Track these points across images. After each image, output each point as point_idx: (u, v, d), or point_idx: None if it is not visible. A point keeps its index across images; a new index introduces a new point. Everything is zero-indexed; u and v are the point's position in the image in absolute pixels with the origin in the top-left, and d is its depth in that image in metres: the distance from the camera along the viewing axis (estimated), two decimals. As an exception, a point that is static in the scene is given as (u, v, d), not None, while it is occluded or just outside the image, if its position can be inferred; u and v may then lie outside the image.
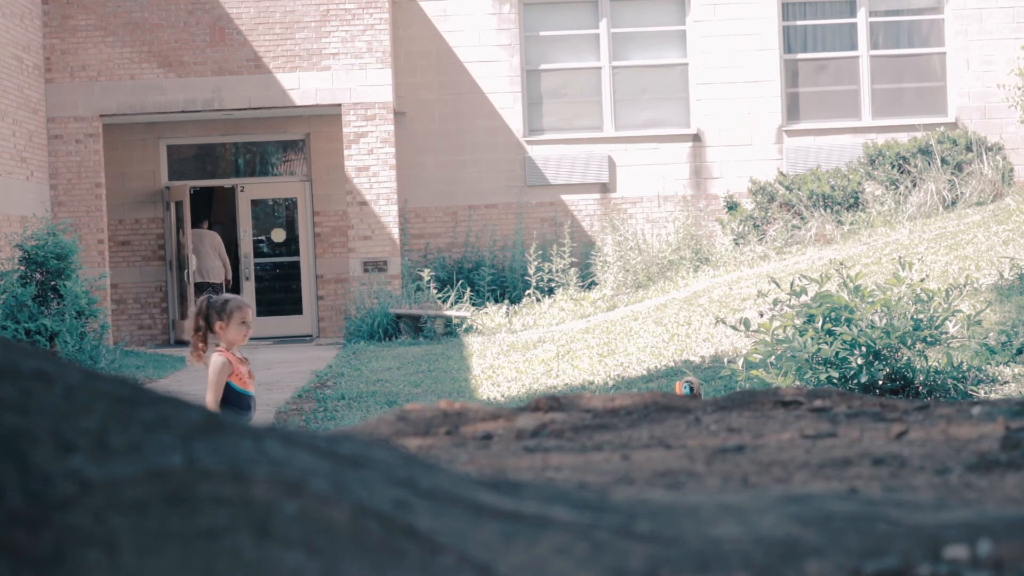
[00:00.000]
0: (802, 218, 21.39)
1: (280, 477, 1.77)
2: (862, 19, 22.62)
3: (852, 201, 21.43)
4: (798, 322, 10.13)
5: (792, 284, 10.39)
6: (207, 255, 22.20)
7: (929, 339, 10.30)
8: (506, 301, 21.18)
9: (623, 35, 22.68)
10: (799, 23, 22.73)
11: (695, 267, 20.98)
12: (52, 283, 16.53)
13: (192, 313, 7.21)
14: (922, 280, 10.67)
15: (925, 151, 21.53)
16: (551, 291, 21.34)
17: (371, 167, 21.07)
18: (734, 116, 22.44)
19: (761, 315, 11.25)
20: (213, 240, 22.39)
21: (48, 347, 15.64)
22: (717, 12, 22.48)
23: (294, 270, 23.27)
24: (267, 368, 17.76)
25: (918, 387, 10.27)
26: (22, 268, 16.62)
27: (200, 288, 22.28)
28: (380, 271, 21.10)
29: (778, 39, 22.52)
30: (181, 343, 21.70)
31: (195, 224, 22.40)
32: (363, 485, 1.86)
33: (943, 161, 21.42)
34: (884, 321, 10.10)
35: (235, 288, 23.93)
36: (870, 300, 10.22)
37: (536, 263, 21.40)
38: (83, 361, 15.75)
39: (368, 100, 20.96)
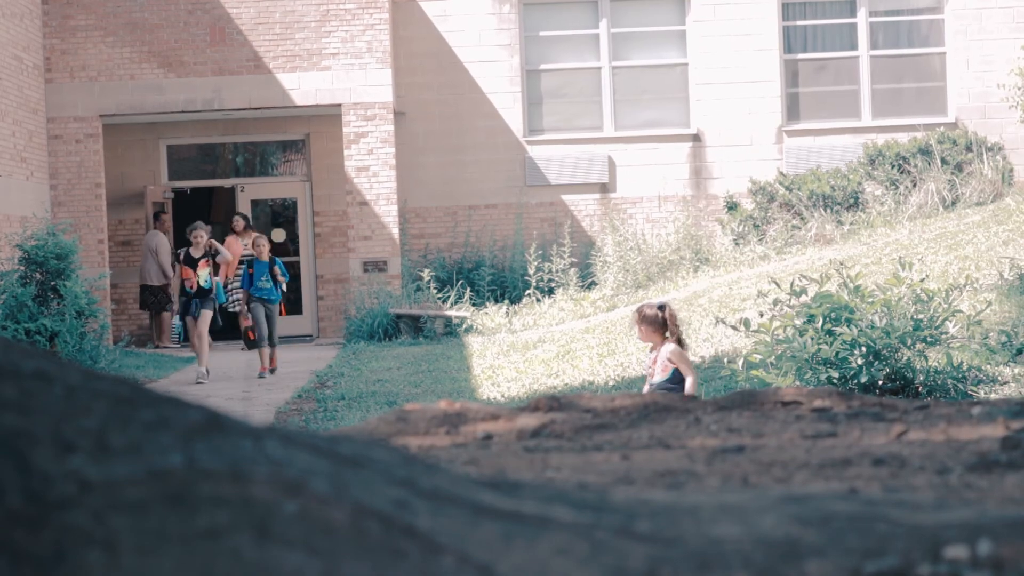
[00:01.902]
0: (802, 218, 21.39)
1: (280, 477, 1.77)
2: (862, 19, 22.63)
3: (852, 201, 21.43)
4: (798, 322, 10.13)
5: (792, 284, 10.39)
6: (144, 257, 22.06)
7: (929, 339, 10.30)
8: (506, 301, 21.18)
9: (623, 35, 22.68)
10: (799, 23, 22.74)
11: (695, 267, 20.99)
12: (52, 283, 16.54)
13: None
14: (922, 280, 10.68)
15: (925, 151, 21.54)
16: (551, 291, 21.34)
17: (371, 167, 21.08)
18: (734, 116, 22.45)
19: (761, 315, 11.25)
20: (150, 242, 21.94)
21: (48, 347, 15.64)
22: (717, 12, 22.48)
23: (294, 270, 23.27)
24: (267, 368, 17.76)
25: (918, 387, 10.27)
26: (22, 268, 16.62)
27: (141, 290, 22.20)
28: (380, 271, 21.11)
29: (778, 39, 22.52)
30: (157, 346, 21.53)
31: (154, 225, 22.25)
32: (363, 485, 1.86)
33: (943, 161, 21.42)
34: (884, 321, 10.10)
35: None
36: (870, 300, 10.22)
37: (536, 263, 21.40)
38: (83, 361, 15.75)
39: (368, 100, 20.97)
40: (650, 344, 8.97)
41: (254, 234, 20.29)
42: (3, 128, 18.78)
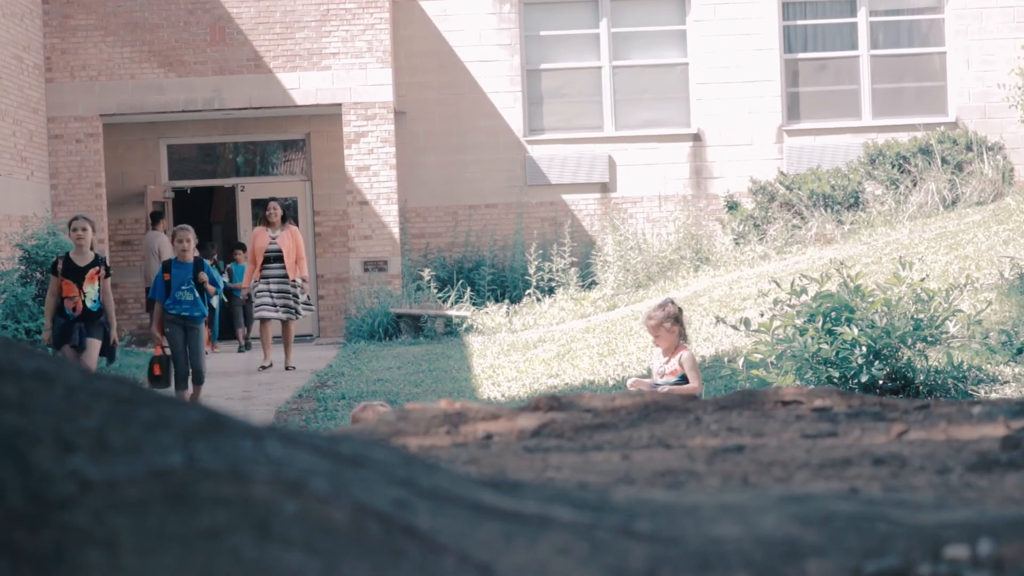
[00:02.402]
0: (802, 218, 21.39)
1: (280, 477, 1.76)
2: (862, 19, 22.62)
3: (852, 201, 21.43)
4: (798, 322, 10.13)
5: (792, 284, 10.39)
6: (147, 258, 21.94)
7: (929, 339, 10.30)
8: (506, 301, 21.18)
9: (623, 35, 22.68)
10: (799, 23, 22.74)
11: (695, 267, 20.99)
12: (52, 283, 16.53)
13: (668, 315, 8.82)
14: (922, 280, 10.68)
15: (925, 151, 21.54)
16: (551, 291, 21.35)
17: (371, 167, 21.08)
18: (734, 116, 22.45)
19: (761, 315, 11.25)
20: (151, 243, 21.79)
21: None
22: (717, 12, 22.48)
23: (294, 270, 23.23)
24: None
25: (918, 387, 10.27)
26: (22, 268, 16.63)
27: (147, 292, 22.00)
28: (380, 271, 21.11)
29: (778, 39, 22.52)
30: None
31: (153, 225, 22.17)
32: (363, 485, 1.86)
33: (943, 161, 21.42)
34: (884, 321, 10.10)
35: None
36: (870, 300, 10.22)
37: (536, 263, 21.40)
38: (83, 361, 15.74)
39: (368, 100, 20.97)
40: (663, 346, 8.87)
41: (292, 227, 17.47)
42: (3, 128, 18.79)
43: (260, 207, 23.52)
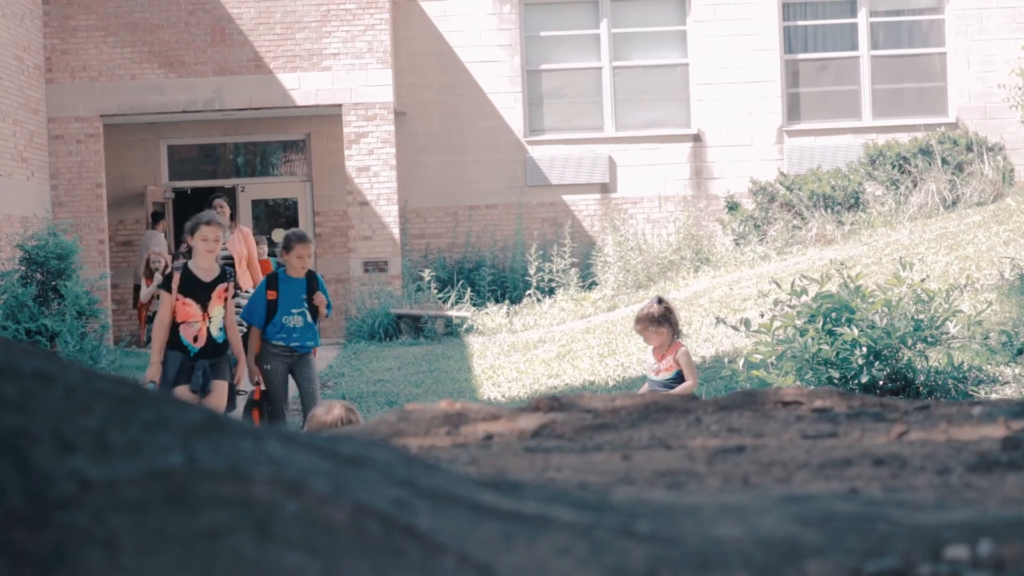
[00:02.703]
0: (803, 218, 21.39)
1: (280, 477, 1.76)
2: (862, 19, 22.62)
3: (853, 201, 21.43)
4: (799, 322, 10.13)
5: (793, 284, 10.39)
6: (140, 256, 21.98)
7: (930, 339, 10.30)
8: (507, 301, 21.18)
9: (623, 35, 22.68)
10: (799, 23, 22.74)
11: (696, 267, 20.99)
12: (53, 283, 16.54)
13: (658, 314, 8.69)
14: (923, 280, 10.68)
15: (926, 151, 21.54)
16: (552, 291, 21.35)
17: (372, 167, 21.08)
18: (735, 116, 22.45)
19: (762, 315, 11.25)
20: (147, 242, 21.77)
21: (48, 347, 15.64)
22: (717, 12, 22.48)
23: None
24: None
25: (919, 387, 10.26)
26: (23, 268, 16.63)
27: (134, 290, 22.11)
28: (380, 271, 21.11)
29: (778, 39, 22.52)
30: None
31: (153, 225, 22.18)
32: (363, 485, 1.86)
33: (944, 161, 21.42)
34: (885, 321, 10.10)
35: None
36: (871, 300, 10.22)
37: (537, 263, 21.40)
38: (83, 361, 15.75)
39: (368, 100, 20.97)
40: (655, 345, 8.90)
41: (244, 228, 15.17)
42: (4, 128, 18.79)
43: (260, 208, 23.57)
